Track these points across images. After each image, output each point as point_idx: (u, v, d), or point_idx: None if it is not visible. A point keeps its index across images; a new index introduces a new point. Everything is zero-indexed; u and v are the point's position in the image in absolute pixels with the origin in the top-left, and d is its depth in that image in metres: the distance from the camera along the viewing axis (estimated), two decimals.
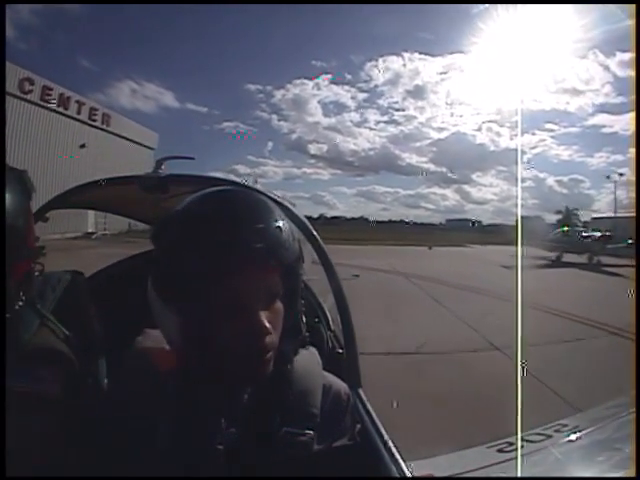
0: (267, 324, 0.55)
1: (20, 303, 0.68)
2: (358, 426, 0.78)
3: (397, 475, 0.79)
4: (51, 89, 18.28)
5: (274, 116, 58.73)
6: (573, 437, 1.14)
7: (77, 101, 19.45)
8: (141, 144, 22.57)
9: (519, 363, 3.85)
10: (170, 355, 0.62)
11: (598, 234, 18.28)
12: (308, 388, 0.68)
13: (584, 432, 1.17)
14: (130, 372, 0.65)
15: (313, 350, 0.76)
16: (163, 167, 1.17)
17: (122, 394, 0.63)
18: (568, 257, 16.71)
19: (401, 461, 0.82)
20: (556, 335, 5.51)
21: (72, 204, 1.40)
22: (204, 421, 0.60)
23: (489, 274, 11.91)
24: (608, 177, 34.95)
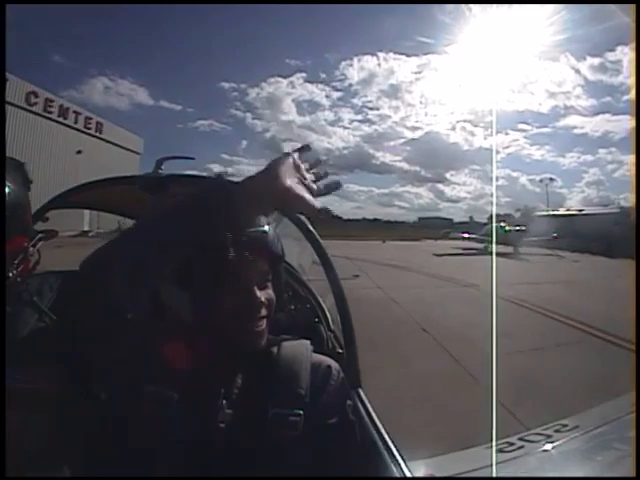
0: (262, 298, 0.69)
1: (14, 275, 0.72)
2: (349, 402, 0.79)
3: (397, 475, 0.79)
4: (52, 101, 20.28)
5: (248, 114, 57.50)
6: (573, 437, 1.14)
7: (74, 111, 21.58)
8: (129, 149, 24.70)
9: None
10: (175, 343, 0.69)
11: (517, 228, 22.35)
12: (296, 370, 0.73)
13: (584, 432, 1.17)
14: (135, 362, 0.67)
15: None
16: (163, 167, 1.17)
17: (126, 383, 0.65)
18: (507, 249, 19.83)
19: (401, 461, 0.82)
20: (431, 286, 9.25)
21: (72, 204, 1.40)
22: (207, 402, 0.66)
23: (416, 258, 15.87)
24: (541, 181, 38.28)
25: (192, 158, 1.41)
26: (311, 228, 1.16)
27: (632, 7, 0.96)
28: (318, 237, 1.16)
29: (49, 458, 0.76)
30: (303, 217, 1.18)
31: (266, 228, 0.72)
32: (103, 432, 0.63)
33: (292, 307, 1.29)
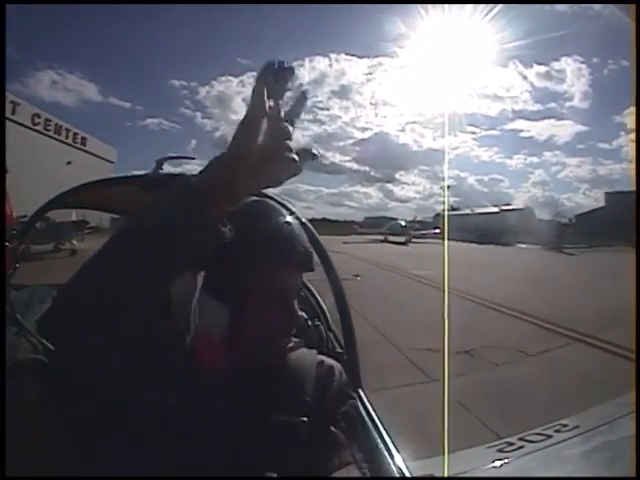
0: (300, 312, 0.69)
1: None
2: (351, 401, 0.79)
3: (397, 475, 0.79)
4: (50, 120, 24.10)
5: (198, 113, 57.44)
6: (573, 437, 1.14)
7: (66, 129, 25.76)
8: (105, 159, 28.49)
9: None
10: (190, 352, 0.66)
11: (410, 224, 29.96)
12: (300, 375, 0.72)
13: (584, 432, 1.16)
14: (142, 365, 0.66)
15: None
16: (163, 167, 1.17)
17: (130, 385, 0.63)
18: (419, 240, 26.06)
19: (401, 461, 0.82)
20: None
21: (71, 204, 1.40)
22: (211, 407, 0.65)
23: (328, 245, 20.56)
24: (441, 187, 43.79)
25: (192, 158, 1.42)
26: (310, 227, 1.16)
27: (632, 7, 0.96)
28: (318, 236, 1.16)
29: (49, 458, 0.76)
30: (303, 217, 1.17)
31: (300, 232, 0.71)
32: (104, 432, 0.63)
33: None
